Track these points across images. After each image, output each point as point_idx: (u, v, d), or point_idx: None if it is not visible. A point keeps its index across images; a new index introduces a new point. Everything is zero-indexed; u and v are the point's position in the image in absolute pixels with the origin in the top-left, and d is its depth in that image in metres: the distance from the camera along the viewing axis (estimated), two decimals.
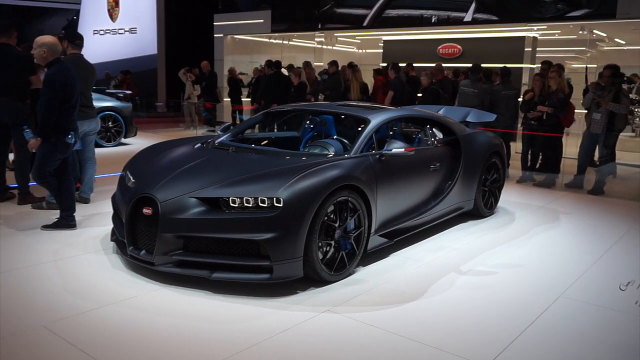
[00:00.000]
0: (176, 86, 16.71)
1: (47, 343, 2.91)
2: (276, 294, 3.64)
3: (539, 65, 9.43)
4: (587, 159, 7.97)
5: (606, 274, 4.34)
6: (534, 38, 12.49)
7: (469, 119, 6.44)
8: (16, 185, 5.82)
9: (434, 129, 5.55)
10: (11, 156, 6.06)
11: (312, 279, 3.79)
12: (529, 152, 8.34)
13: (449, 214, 5.40)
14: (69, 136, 4.80)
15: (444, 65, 10.11)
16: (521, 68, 12.16)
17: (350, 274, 4.05)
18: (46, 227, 4.88)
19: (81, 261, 4.17)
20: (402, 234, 4.68)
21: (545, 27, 11.86)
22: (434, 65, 9.92)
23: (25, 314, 3.23)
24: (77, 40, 5.82)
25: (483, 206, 5.85)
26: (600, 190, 7.62)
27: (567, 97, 7.98)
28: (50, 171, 4.84)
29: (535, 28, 12.01)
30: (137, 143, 10.51)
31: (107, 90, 12.70)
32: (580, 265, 4.52)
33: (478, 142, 5.80)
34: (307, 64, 12.31)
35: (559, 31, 12.36)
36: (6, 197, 5.92)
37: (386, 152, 4.40)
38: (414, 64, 11.18)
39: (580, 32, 11.56)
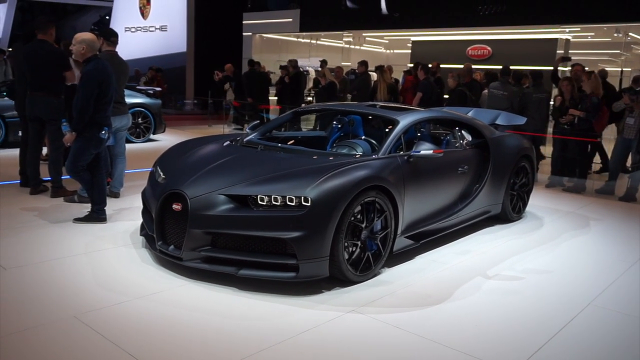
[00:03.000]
0: (204, 84, 16.89)
1: (77, 333, 2.98)
2: (302, 293, 3.66)
3: (568, 68, 9.28)
4: (620, 164, 7.81)
5: (638, 282, 4.25)
6: (567, 40, 12.27)
7: (498, 122, 6.36)
8: (49, 179, 5.96)
9: (462, 131, 5.50)
10: (45, 150, 6.21)
11: (337, 279, 3.80)
12: (558, 156, 8.21)
13: (476, 217, 5.35)
14: (103, 132, 4.90)
15: (473, 66, 10.01)
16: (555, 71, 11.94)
17: (375, 275, 4.05)
18: (78, 220, 4.99)
19: (111, 254, 4.25)
20: (429, 237, 4.65)
21: (579, 29, 11.65)
22: (462, 66, 9.83)
23: (56, 304, 3.31)
24: (112, 37, 5.93)
25: (511, 210, 5.78)
26: (632, 196, 7.45)
27: (601, 101, 7.83)
28: (83, 165, 4.94)
29: (567, 30, 11.81)
30: (166, 139, 10.65)
31: (138, 87, 12.88)
32: (611, 273, 4.43)
33: (507, 145, 5.73)
34: (324, 63, 12.47)
35: (592, 33, 12.13)
36: (40, 190, 6.06)
37: (414, 153, 4.38)
38: (442, 65, 11.10)
39: (615, 34, 11.32)
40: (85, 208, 5.33)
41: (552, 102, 8.97)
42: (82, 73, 4.83)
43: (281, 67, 13.07)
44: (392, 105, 6.24)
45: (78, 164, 4.89)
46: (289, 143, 5.48)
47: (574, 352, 3.09)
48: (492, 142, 5.55)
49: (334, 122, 5.81)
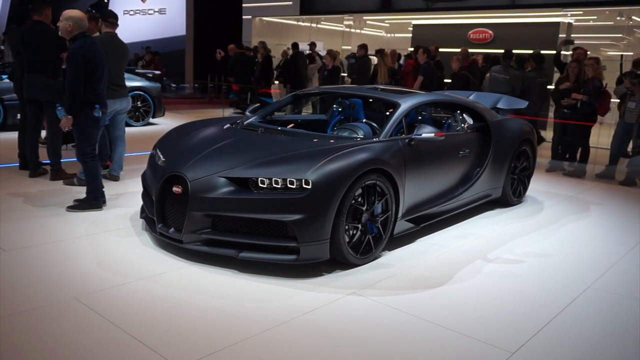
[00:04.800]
0: (204, 68, 16.79)
1: (79, 315, 2.99)
2: (302, 275, 3.67)
3: (572, 52, 9.21)
4: (620, 149, 7.79)
5: (637, 266, 4.26)
6: (569, 24, 12.18)
7: (499, 105, 6.34)
8: (48, 162, 5.95)
9: (464, 115, 5.48)
10: (43, 133, 6.18)
11: (338, 262, 3.81)
12: (559, 141, 8.19)
13: (477, 201, 5.36)
14: (96, 109, 4.82)
15: (474, 50, 9.95)
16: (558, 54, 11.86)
17: (376, 258, 4.06)
18: (71, 208, 4.89)
19: (112, 237, 4.26)
20: (429, 220, 4.67)
21: (581, 12, 11.55)
22: (459, 50, 9.78)
23: (58, 286, 3.32)
24: (111, 19, 5.87)
25: (511, 194, 5.78)
26: (632, 181, 7.45)
27: (603, 85, 7.79)
28: (92, 151, 4.88)
29: (569, 13, 11.71)
30: (165, 123, 10.62)
31: (137, 70, 12.81)
32: (611, 257, 4.45)
33: (509, 128, 5.72)
34: (312, 45, 12.61)
35: (595, 17, 12.03)
36: (39, 172, 6.05)
37: (416, 136, 4.37)
38: (444, 49, 11.03)
39: (618, 17, 11.23)
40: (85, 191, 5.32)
41: (550, 86, 8.92)
42: (68, 52, 4.72)
43: (256, 48, 13.14)
44: (393, 88, 6.20)
45: (85, 150, 4.84)
46: (289, 126, 5.46)
47: (574, 333, 3.10)
48: (494, 125, 5.53)
49: (335, 105, 5.78)
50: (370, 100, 5.65)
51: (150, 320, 2.97)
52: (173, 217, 3.89)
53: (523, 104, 6.66)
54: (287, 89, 11.88)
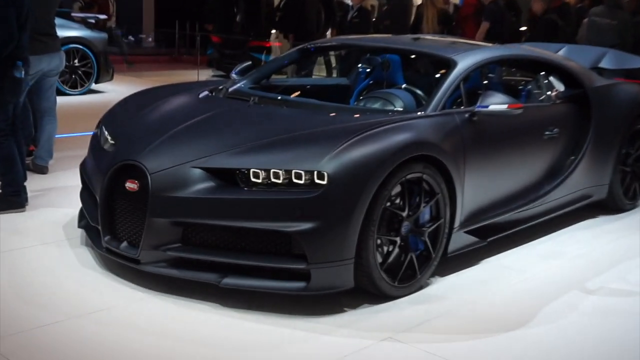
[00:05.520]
0: (170, 10, 16.84)
1: None
2: (315, 312, 3.65)
3: None
4: None
5: None
6: None
7: (603, 64, 6.30)
8: None
9: (550, 78, 5.44)
10: None
11: (366, 292, 3.79)
12: None
13: (570, 204, 5.32)
14: (17, 66, 4.85)
15: None
16: None
17: (421, 287, 4.04)
18: None
19: (36, 255, 4.26)
20: (500, 232, 4.64)
21: None
22: None
23: None
24: None
25: (622, 195, 5.74)
26: None
27: None
28: (6, 125, 4.90)
29: None
30: (115, 90, 10.66)
31: (73, 14, 12.84)
32: None
33: (617, 98, 5.68)
34: None
35: None
36: None
37: (480, 109, 4.33)
38: None
39: None
40: None
41: None
42: None
43: None
44: (446, 39, 6.16)
45: None
46: (294, 94, 5.46)
47: None
48: (595, 93, 5.48)
49: (361, 65, 5.76)
50: (413, 56, 5.62)
51: None
52: (126, 227, 3.88)
53: (638, 62, 6.58)
54: (289, 42, 11.85)
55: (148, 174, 3.74)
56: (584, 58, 6.24)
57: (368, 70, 5.68)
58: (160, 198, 3.68)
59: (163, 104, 4.62)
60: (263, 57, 12.37)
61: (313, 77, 7.37)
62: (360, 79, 5.70)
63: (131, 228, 3.84)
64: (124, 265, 3.91)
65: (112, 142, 4.24)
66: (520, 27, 10.04)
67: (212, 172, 3.71)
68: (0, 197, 4.96)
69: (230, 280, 3.62)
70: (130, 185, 3.80)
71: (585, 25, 9.01)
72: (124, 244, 3.85)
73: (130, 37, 18.22)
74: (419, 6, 10.42)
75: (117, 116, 4.66)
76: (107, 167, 3.97)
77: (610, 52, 6.55)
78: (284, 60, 5.88)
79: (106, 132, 4.39)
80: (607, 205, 5.73)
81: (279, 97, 4.76)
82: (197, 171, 3.72)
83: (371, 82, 5.61)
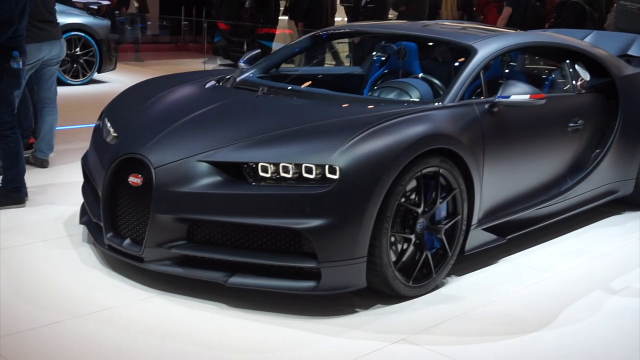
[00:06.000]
0: None
1: None
2: (326, 313, 3.67)
3: None
4: None
5: None
6: None
7: (632, 52, 6.27)
8: None
9: (576, 66, 5.42)
10: None
11: (379, 292, 3.81)
12: None
13: (596, 200, 5.32)
14: (14, 57, 4.88)
15: None
16: None
17: (437, 287, 4.05)
18: None
19: (36, 253, 4.29)
20: (520, 229, 4.65)
21: None
22: None
23: None
24: None
25: None
26: None
27: None
28: (11, 118, 4.96)
29: None
30: (118, 80, 10.70)
31: (75, 0, 12.90)
32: None
33: None
34: None
35: None
36: None
37: (501, 99, 4.34)
38: None
39: None
40: None
41: None
42: None
43: None
44: (466, 25, 6.14)
45: (3, 117, 4.89)
46: (305, 84, 5.46)
47: None
48: (623, 83, 5.46)
49: (376, 53, 5.76)
50: (431, 44, 5.61)
51: None
52: (129, 223, 3.91)
53: None
54: (299, 29, 11.86)
55: (152, 168, 3.76)
56: (611, 45, 6.20)
57: (383, 58, 5.68)
58: (165, 193, 3.70)
59: (168, 94, 4.64)
60: (272, 45, 12.38)
61: (325, 65, 7.36)
62: (375, 68, 5.70)
63: (134, 224, 3.87)
64: (127, 263, 3.94)
65: (115, 134, 4.27)
66: (545, 12, 9.98)
67: (219, 166, 3.73)
68: (0, 192, 5.01)
69: (237, 280, 3.64)
70: (134, 179, 3.82)
71: (614, 10, 8.95)
72: (127, 241, 3.88)
73: (134, 24, 18.26)
74: None
75: (120, 107, 4.68)
76: (109, 161, 3.99)
77: None
78: (294, 48, 5.87)
79: (109, 124, 4.42)
80: (634, 201, 5.72)
81: (289, 87, 4.76)
82: (203, 165, 3.73)
83: (386, 71, 5.61)
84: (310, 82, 5.55)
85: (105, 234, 3.97)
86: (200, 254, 3.71)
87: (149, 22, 19.22)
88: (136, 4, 15.38)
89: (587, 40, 6.29)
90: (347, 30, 6.42)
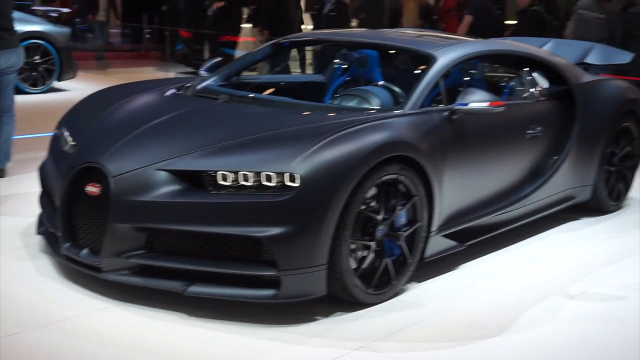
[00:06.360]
0: (136, 2, 16.76)
1: None
2: (285, 321, 3.66)
3: None
4: None
5: None
6: None
7: (589, 60, 6.36)
8: None
9: (534, 74, 5.49)
10: None
11: (339, 299, 3.81)
12: None
13: (554, 206, 5.37)
14: None
15: None
16: None
17: (397, 294, 4.06)
18: None
19: None
20: (480, 236, 4.68)
21: None
22: None
23: None
24: None
25: (607, 196, 5.80)
26: None
27: None
28: None
29: None
30: (77, 89, 10.60)
31: (34, 8, 12.79)
32: None
33: (603, 95, 5.73)
34: None
35: None
36: None
37: (460, 107, 4.38)
38: None
39: None
40: None
41: None
42: None
43: None
44: (427, 33, 6.19)
45: None
46: (266, 92, 5.47)
47: None
48: (580, 90, 5.54)
49: (337, 61, 5.77)
50: (391, 52, 5.64)
51: None
52: (87, 233, 3.88)
53: (626, 56, 6.66)
54: (262, 37, 11.84)
55: (110, 177, 3.73)
56: (569, 53, 6.28)
57: (344, 66, 5.69)
58: (123, 202, 3.68)
59: (127, 102, 4.61)
60: (235, 52, 12.36)
61: (288, 74, 7.37)
62: (336, 76, 5.70)
63: (92, 234, 3.84)
64: (85, 273, 3.90)
65: (73, 143, 4.24)
66: (506, 20, 10.11)
67: (178, 175, 3.72)
68: None
69: (196, 289, 3.62)
70: (92, 189, 3.79)
71: (573, 19, 9.08)
72: (85, 251, 3.84)
73: (94, 31, 18.12)
74: None
75: (78, 116, 4.65)
76: (67, 170, 3.96)
77: (597, 47, 6.60)
78: (256, 55, 5.87)
79: (67, 133, 4.38)
80: (591, 207, 5.78)
81: (250, 95, 4.76)
82: (162, 174, 3.72)
83: (348, 78, 5.62)
84: (271, 90, 5.57)
85: (63, 244, 3.93)
86: (159, 263, 3.70)
87: (111, 30, 19.10)
88: (103, 11, 15.29)
89: (546, 48, 6.36)
90: (308, 38, 6.44)
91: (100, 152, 3.91)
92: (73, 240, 3.93)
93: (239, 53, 12.36)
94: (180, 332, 3.51)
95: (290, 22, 12.01)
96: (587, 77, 5.83)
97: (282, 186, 3.58)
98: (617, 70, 7.47)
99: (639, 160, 6.18)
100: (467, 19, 9.32)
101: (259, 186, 3.60)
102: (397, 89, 5.23)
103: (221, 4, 12.44)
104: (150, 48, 15.73)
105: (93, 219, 3.84)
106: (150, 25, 14.98)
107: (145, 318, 3.63)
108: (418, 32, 6.24)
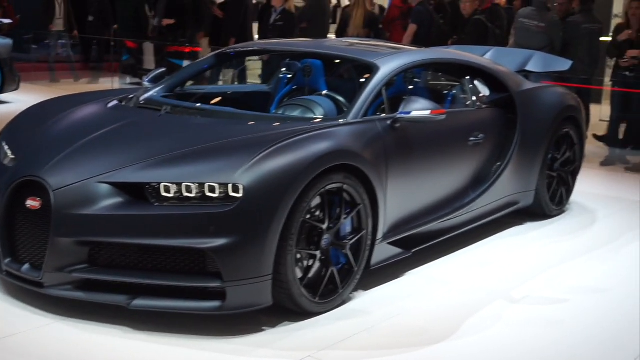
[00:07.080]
0: (81, 11, 16.52)
1: None
2: (231, 332, 3.64)
3: None
4: None
5: None
6: None
7: (530, 67, 6.48)
8: None
9: (476, 82, 5.56)
10: None
11: (286, 309, 3.81)
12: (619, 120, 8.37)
13: (497, 212, 5.44)
14: None
15: None
16: None
17: (344, 302, 4.06)
18: None
19: None
20: (425, 242, 4.71)
21: None
22: None
23: None
24: None
25: (549, 201, 5.89)
26: None
27: None
28: None
29: None
30: (21, 101, 10.41)
31: None
32: None
33: (543, 102, 5.84)
34: None
35: None
36: None
37: (402, 115, 4.41)
38: None
39: None
40: None
41: (606, 38, 9.12)
42: None
43: None
44: (371, 42, 6.23)
45: None
46: (210, 102, 5.44)
47: None
48: (521, 97, 5.63)
49: (282, 70, 5.79)
50: (335, 61, 5.66)
51: None
52: (28, 248, 3.81)
53: (564, 64, 6.78)
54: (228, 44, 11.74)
55: (50, 191, 3.68)
56: (510, 61, 6.39)
57: (289, 76, 5.71)
58: (64, 216, 3.63)
59: (68, 115, 4.55)
60: (183, 63, 12.26)
61: (232, 84, 7.34)
62: (282, 86, 5.72)
63: (33, 249, 3.77)
64: (26, 289, 3.83)
65: (12, 156, 4.17)
66: (448, 29, 10.21)
67: (120, 187, 3.68)
68: None
69: (140, 302, 3.58)
70: (32, 203, 3.73)
71: (514, 28, 9.21)
72: (26, 266, 3.77)
73: (37, 42, 17.84)
74: (344, 8, 10.46)
75: (18, 129, 4.57)
76: (6, 184, 3.88)
77: (537, 55, 6.71)
78: (201, 66, 5.84)
79: (6, 147, 4.30)
80: (534, 212, 5.88)
81: (193, 106, 4.73)
82: (104, 186, 3.68)
83: (294, 88, 5.62)
84: (216, 101, 5.55)
85: (3, 259, 3.85)
86: (102, 277, 3.65)
87: (60, 41, 18.82)
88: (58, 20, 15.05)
89: (487, 56, 6.45)
90: (254, 48, 6.43)
91: (40, 165, 3.85)
92: (14, 256, 3.85)
93: (187, 64, 12.29)
94: (126, 346, 3.47)
95: (252, 32, 11.99)
96: (528, 85, 5.94)
97: (225, 197, 3.56)
98: (556, 77, 7.60)
99: (581, 165, 6.31)
100: (412, 28, 9.40)
101: (202, 197, 3.58)
102: (340, 98, 5.25)
103: (171, 21, 12.31)
104: (98, 59, 15.50)
105: (34, 233, 3.77)
106: (100, 37, 14.76)
107: (89, 333, 3.58)
108: (361, 42, 6.28)
